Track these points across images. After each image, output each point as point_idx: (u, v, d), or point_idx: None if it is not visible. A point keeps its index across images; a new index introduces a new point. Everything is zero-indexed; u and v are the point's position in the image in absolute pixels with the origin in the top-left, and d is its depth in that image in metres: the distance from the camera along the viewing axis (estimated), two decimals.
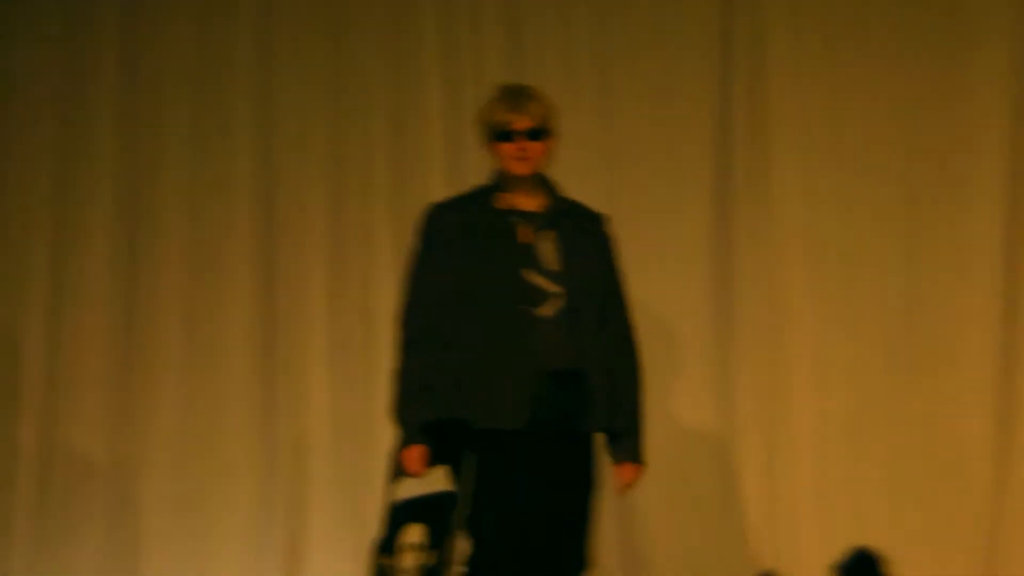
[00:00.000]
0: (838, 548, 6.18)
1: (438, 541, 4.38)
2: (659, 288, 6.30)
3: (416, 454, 4.40)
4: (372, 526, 5.98)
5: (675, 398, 6.05)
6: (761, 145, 6.51)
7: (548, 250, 4.50)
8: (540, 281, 4.48)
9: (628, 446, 4.55)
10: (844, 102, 6.50)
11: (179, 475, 6.61)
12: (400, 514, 4.43)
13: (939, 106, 6.47)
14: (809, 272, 6.49)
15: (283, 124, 6.65)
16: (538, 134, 4.50)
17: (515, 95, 4.55)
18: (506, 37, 6.63)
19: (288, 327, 6.62)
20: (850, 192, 6.47)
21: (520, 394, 4.41)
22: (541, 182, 4.57)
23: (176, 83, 6.68)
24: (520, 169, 4.49)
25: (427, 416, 4.42)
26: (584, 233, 4.58)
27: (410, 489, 4.48)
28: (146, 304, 6.68)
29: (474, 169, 5.94)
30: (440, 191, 6.03)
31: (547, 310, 4.44)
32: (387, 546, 4.38)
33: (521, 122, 4.50)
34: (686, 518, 6.23)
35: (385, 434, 5.24)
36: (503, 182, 4.53)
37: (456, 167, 6.54)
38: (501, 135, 4.50)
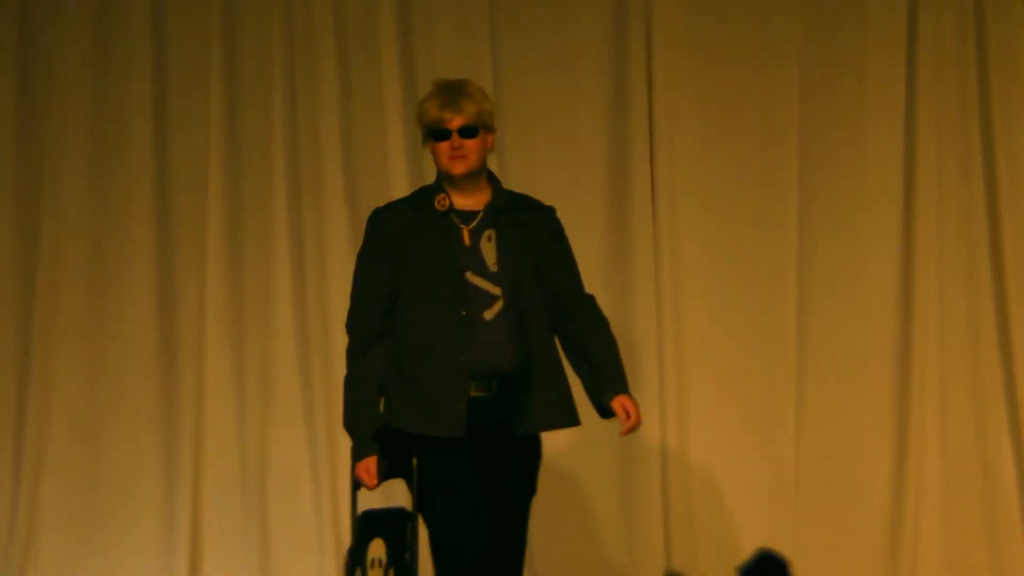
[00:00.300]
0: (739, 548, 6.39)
1: (396, 557, 4.43)
2: None
3: (367, 465, 4.44)
4: (272, 532, 6.46)
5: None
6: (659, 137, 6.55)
7: (489, 251, 4.50)
8: (482, 283, 4.47)
9: (616, 384, 4.51)
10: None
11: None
12: (366, 527, 4.45)
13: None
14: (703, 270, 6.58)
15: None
16: (473, 132, 4.47)
17: (449, 92, 4.52)
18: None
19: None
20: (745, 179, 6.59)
21: (457, 401, 4.41)
22: (485, 178, 4.55)
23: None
24: (457, 168, 4.46)
25: (374, 425, 4.44)
26: (527, 228, 4.54)
27: (373, 499, 4.52)
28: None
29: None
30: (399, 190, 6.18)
31: (489, 313, 4.44)
32: (358, 559, 4.42)
33: (455, 120, 4.46)
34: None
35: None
36: (445, 181, 4.51)
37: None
38: (436, 134, 4.48)
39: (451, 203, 4.51)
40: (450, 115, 4.49)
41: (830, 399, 6.57)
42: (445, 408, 4.45)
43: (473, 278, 4.45)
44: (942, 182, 6.58)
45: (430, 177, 4.95)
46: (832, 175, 6.62)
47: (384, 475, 4.51)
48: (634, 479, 6.57)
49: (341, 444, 6.20)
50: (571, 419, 4.56)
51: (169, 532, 6.57)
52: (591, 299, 4.66)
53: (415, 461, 4.46)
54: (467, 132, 4.48)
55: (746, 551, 6.44)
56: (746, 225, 6.63)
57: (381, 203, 4.67)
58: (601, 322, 4.62)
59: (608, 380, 4.53)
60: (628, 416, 4.45)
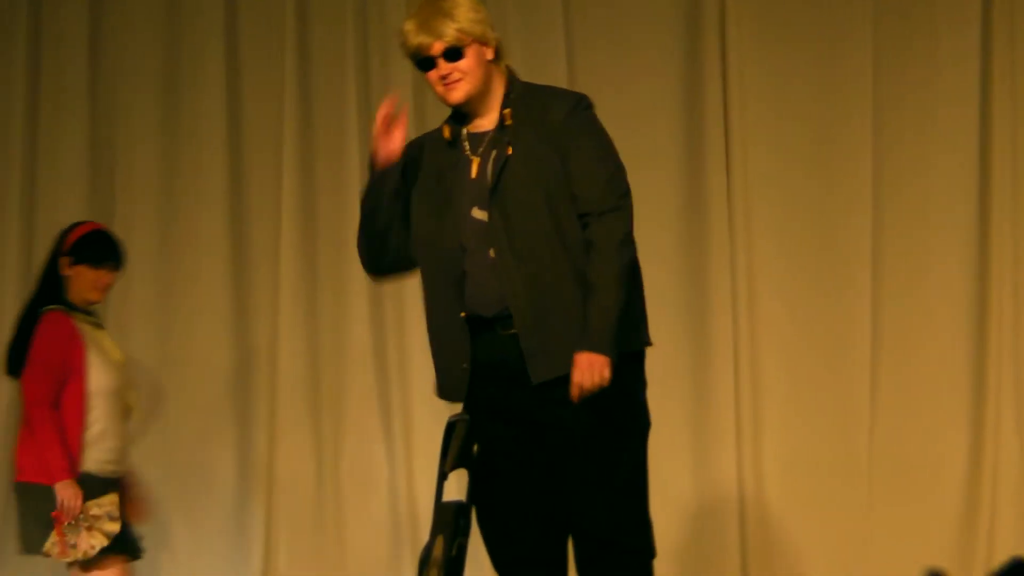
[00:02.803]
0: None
1: (448, 549, 4.30)
2: None
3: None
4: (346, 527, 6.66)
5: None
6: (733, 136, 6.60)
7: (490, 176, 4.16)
8: (481, 216, 4.16)
9: (584, 339, 4.05)
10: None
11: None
12: (435, 524, 4.35)
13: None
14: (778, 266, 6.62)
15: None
16: (457, 53, 4.06)
17: (423, 14, 4.10)
18: None
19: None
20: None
21: (461, 360, 4.16)
22: (502, 90, 4.17)
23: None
24: (453, 97, 4.10)
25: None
26: (542, 129, 4.13)
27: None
28: None
29: None
30: None
31: (489, 249, 4.12)
32: (426, 554, 4.32)
33: (435, 45, 4.06)
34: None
35: None
36: (452, 109, 4.19)
37: None
38: (420, 63, 4.11)
39: (459, 131, 4.17)
40: (428, 40, 4.06)
41: (905, 393, 6.58)
42: (449, 371, 4.22)
43: (478, 213, 4.14)
44: (1016, 169, 6.52)
45: None
46: (906, 166, 6.60)
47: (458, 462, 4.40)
48: (709, 473, 6.61)
49: (416, 440, 6.50)
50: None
51: (243, 530, 6.69)
52: (610, 214, 4.14)
53: (475, 448, 4.25)
54: (452, 55, 4.05)
55: (820, 549, 6.50)
56: (819, 220, 6.61)
57: None
58: (602, 253, 4.11)
59: (581, 332, 4.08)
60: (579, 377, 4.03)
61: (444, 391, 4.21)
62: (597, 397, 3.99)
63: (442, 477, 4.29)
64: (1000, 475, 6.51)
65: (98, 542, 5.11)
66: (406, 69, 6.53)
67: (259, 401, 6.81)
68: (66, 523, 5.07)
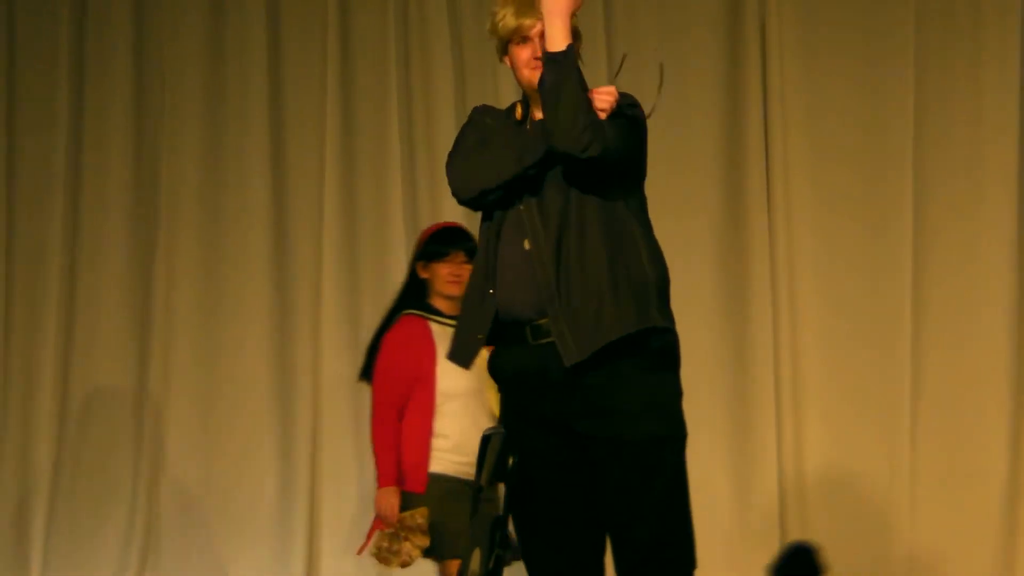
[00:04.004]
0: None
1: (486, 562, 4.32)
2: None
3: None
4: None
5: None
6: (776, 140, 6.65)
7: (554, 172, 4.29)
8: (532, 209, 4.28)
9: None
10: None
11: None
12: (472, 538, 4.38)
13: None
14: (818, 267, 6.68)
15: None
16: (536, 36, 4.23)
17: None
18: None
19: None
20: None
21: (476, 326, 4.25)
22: None
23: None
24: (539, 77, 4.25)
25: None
26: None
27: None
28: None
29: None
30: None
31: (527, 243, 4.24)
32: (462, 574, 4.34)
33: (537, 26, 4.21)
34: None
35: None
36: (527, 93, 4.33)
37: None
38: (519, 41, 4.25)
39: (530, 114, 4.32)
40: (532, 20, 4.21)
41: (945, 391, 6.63)
42: (464, 337, 4.31)
43: (528, 201, 4.27)
44: None
45: None
46: (947, 163, 6.63)
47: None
48: (751, 469, 6.65)
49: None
50: (625, 326, 4.14)
51: (286, 537, 6.79)
52: (622, 228, 4.17)
53: (511, 460, 4.29)
54: (540, 36, 4.22)
55: (860, 544, 6.52)
56: (861, 216, 6.66)
57: None
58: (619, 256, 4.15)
59: None
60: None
61: (453, 353, 4.31)
62: (637, 409, 4.09)
63: (478, 491, 4.32)
64: None
65: (416, 551, 5.20)
66: (446, 66, 6.72)
67: (303, 411, 6.86)
68: (385, 530, 5.20)
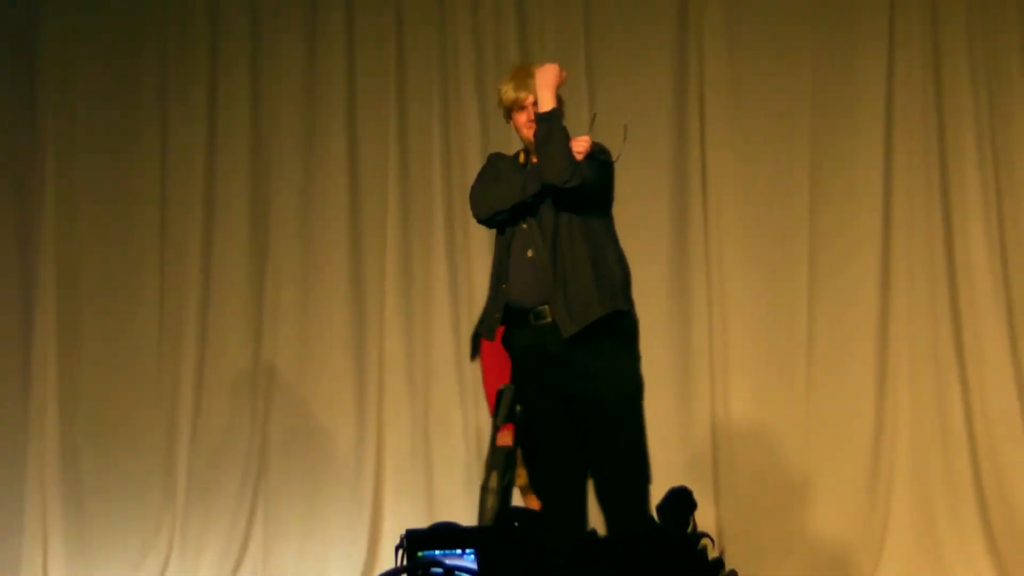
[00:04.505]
0: None
1: (501, 481, 4.79)
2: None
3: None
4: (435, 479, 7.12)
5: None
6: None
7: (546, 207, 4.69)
8: (533, 228, 4.70)
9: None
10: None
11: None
12: (489, 464, 4.85)
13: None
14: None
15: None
16: (532, 105, 4.71)
17: (518, 77, 4.75)
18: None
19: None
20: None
21: (495, 307, 4.72)
22: None
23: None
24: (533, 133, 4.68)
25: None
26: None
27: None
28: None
29: None
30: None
31: (529, 251, 4.70)
32: (484, 488, 4.82)
33: (530, 98, 4.70)
34: None
35: None
36: (526, 144, 4.76)
37: None
38: (517, 110, 4.74)
39: (529, 158, 4.73)
40: (525, 94, 4.72)
41: (830, 354, 7.06)
42: (489, 316, 4.76)
43: (529, 221, 4.68)
44: (911, 191, 7.01)
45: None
46: (834, 188, 7.08)
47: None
48: (691, 415, 7.04)
49: (482, 407, 6.81)
50: (593, 312, 4.62)
51: (358, 482, 7.29)
52: (592, 235, 4.67)
53: (519, 408, 4.74)
54: (534, 105, 4.71)
55: (770, 466, 6.92)
56: (770, 233, 7.13)
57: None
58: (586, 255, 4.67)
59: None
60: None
61: (481, 329, 4.87)
62: (611, 375, 4.60)
63: (495, 429, 4.83)
64: (898, 443, 7.01)
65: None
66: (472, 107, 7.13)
67: (371, 386, 7.35)
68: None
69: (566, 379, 4.64)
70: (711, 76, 7.18)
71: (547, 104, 4.61)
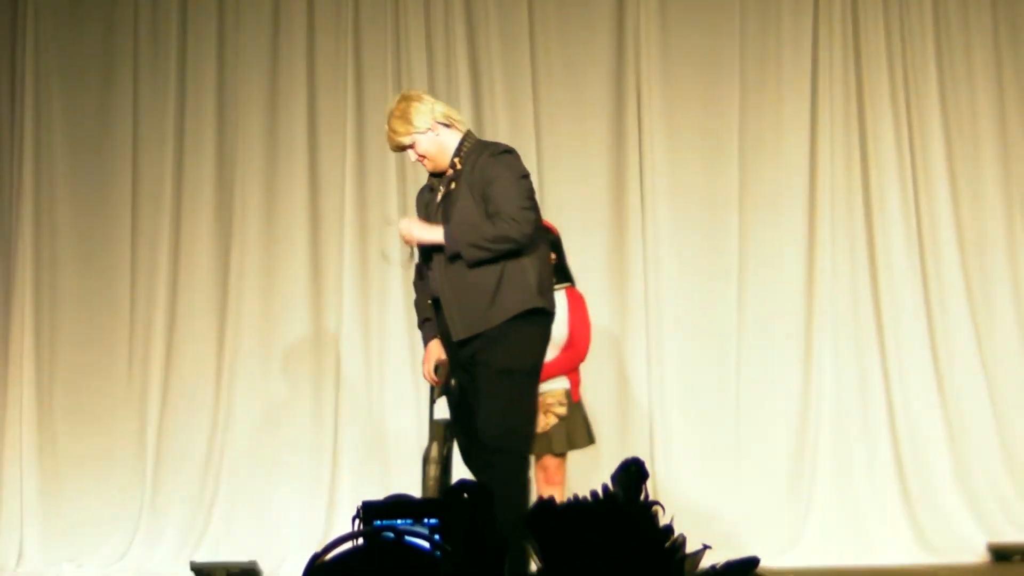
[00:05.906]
0: None
1: (441, 450, 4.89)
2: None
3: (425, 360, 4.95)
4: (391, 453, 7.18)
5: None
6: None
7: (441, 213, 4.76)
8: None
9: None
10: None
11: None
12: (430, 435, 4.93)
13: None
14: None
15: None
16: (418, 144, 4.73)
17: (390, 122, 4.72)
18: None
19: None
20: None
21: (426, 313, 4.88)
22: (461, 151, 4.73)
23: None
24: (428, 167, 4.81)
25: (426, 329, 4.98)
26: (471, 184, 4.69)
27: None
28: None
29: None
30: None
31: (439, 258, 4.77)
32: (426, 458, 4.91)
33: (404, 142, 4.72)
34: None
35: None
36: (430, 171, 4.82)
37: None
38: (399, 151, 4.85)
39: (436, 180, 4.76)
40: (398, 141, 4.75)
41: (759, 330, 7.34)
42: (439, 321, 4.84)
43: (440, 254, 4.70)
44: (834, 181, 7.31)
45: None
46: (759, 181, 7.35)
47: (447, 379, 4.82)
48: (630, 390, 7.19)
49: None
50: (466, 329, 4.70)
51: (318, 463, 7.37)
52: (508, 221, 4.62)
53: (453, 383, 4.86)
54: (410, 147, 4.75)
55: (705, 435, 7.17)
56: (704, 229, 7.40)
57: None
58: (497, 227, 4.63)
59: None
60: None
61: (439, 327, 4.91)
62: (501, 348, 4.65)
63: (432, 403, 5.05)
64: (823, 412, 7.27)
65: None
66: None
67: (328, 366, 7.40)
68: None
69: (468, 359, 4.81)
70: (647, 76, 7.46)
71: (437, 239, 4.72)
